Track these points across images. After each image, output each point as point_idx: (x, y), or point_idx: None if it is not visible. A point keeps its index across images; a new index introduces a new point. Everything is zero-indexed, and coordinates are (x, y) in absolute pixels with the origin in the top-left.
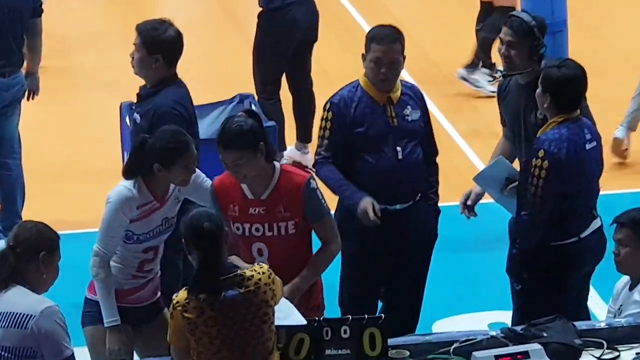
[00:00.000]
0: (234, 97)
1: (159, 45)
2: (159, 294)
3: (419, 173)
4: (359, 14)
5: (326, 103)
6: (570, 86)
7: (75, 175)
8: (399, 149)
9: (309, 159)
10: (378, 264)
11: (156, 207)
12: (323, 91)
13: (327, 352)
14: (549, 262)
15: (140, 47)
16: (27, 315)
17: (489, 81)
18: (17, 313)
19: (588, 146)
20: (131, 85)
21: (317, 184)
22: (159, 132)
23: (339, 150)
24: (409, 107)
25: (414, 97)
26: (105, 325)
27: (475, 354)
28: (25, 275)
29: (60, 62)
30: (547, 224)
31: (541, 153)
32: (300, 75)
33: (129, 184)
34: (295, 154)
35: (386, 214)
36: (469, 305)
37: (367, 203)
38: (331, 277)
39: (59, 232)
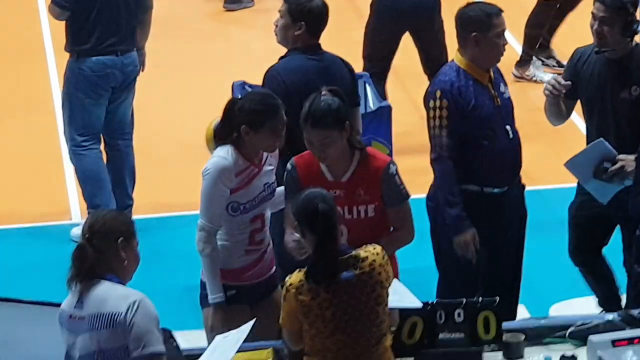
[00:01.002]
0: None
1: (302, 13)
2: (274, 267)
3: (521, 150)
4: None
5: (432, 92)
6: None
7: (187, 157)
8: (508, 127)
9: None
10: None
11: (255, 173)
12: None
13: (441, 335)
14: None
15: (284, 13)
16: (115, 313)
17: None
18: (105, 313)
19: None
20: (242, 66)
21: (396, 169)
22: (249, 93)
23: (456, 140)
24: (501, 84)
25: (499, 73)
26: (210, 301)
27: (592, 337)
28: (109, 265)
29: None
30: None
31: None
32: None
33: (223, 152)
34: None
35: (491, 197)
36: (586, 288)
37: (471, 237)
38: None
39: (170, 215)
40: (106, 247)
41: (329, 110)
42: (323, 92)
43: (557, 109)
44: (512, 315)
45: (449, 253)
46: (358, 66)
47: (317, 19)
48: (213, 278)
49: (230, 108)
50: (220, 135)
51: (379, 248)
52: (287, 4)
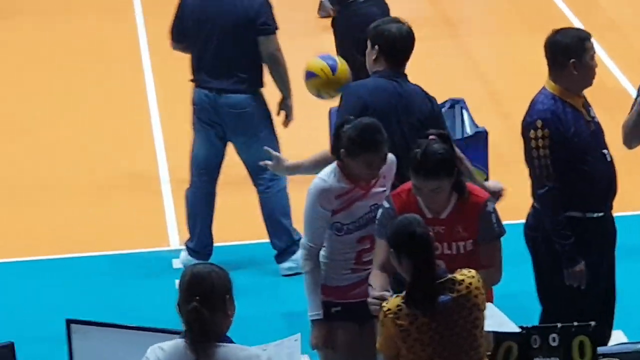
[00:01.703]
0: (445, 102)
1: (377, 37)
2: None
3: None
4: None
5: (532, 122)
6: None
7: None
8: (605, 151)
9: None
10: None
11: (359, 195)
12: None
13: None
14: None
15: (368, 40)
16: None
17: None
18: None
19: None
20: None
21: (494, 207)
22: (358, 121)
23: (560, 168)
24: (590, 108)
25: (585, 99)
26: (310, 318)
27: None
28: (219, 322)
29: None
30: None
31: None
32: None
33: (325, 174)
34: None
35: (592, 222)
36: None
37: (583, 266)
38: None
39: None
40: (219, 306)
41: (442, 161)
42: (432, 137)
43: None
44: (607, 340)
45: (555, 283)
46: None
47: (391, 43)
48: (313, 295)
49: (340, 127)
50: (332, 149)
51: (474, 271)
52: (368, 30)
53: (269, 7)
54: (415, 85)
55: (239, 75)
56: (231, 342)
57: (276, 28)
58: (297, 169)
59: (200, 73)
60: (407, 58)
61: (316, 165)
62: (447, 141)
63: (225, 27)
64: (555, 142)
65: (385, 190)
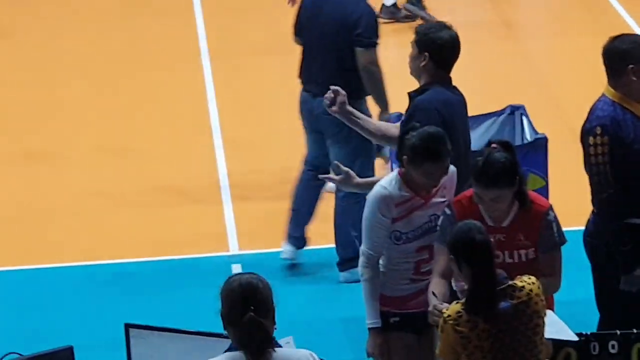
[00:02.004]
0: (505, 109)
1: (427, 44)
2: None
3: None
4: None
5: (591, 129)
6: None
7: None
8: None
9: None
10: None
11: (419, 204)
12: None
13: None
14: None
15: (413, 44)
16: None
17: None
18: None
19: None
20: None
21: (555, 215)
22: (424, 128)
23: (620, 175)
24: None
25: None
26: (368, 326)
27: None
28: (271, 332)
29: None
30: None
31: None
32: None
33: (386, 182)
34: None
35: None
36: None
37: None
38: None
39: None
40: (270, 314)
41: (503, 170)
42: (494, 146)
43: None
44: None
45: (614, 290)
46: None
47: (442, 50)
48: (371, 303)
49: (405, 134)
50: (398, 154)
51: (533, 278)
52: (415, 35)
53: (371, 19)
54: (459, 90)
55: (333, 81)
56: (279, 345)
57: (375, 42)
58: (366, 186)
59: (303, 74)
60: (453, 65)
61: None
62: (509, 150)
63: (327, 30)
64: (614, 148)
65: (445, 201)
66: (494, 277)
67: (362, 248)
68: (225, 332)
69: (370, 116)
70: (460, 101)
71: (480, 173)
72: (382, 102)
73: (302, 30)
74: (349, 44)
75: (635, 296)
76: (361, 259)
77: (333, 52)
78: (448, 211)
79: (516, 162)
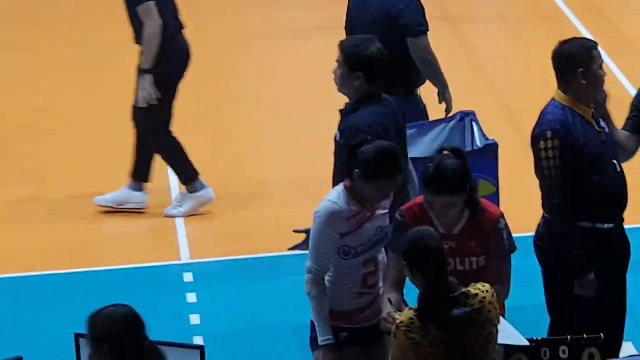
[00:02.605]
0: (455, 115)
1: (359, 62)
2: None
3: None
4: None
5: (542, 133)
6: None
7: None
8: (614, 161)
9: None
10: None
11: (367, 217)
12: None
13: None
14: None
15: (342, 63)
16: None
17: None
18: None
19: None
20: None
21: (505, 223)
22: (379, 143)
23: (571, 178)
24: (599, 119)
25: (595, 108)
26: (320, 343)
27: None
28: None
29: None
30: None
31: None
32: None
33: (334, 196)
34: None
35: (602, 232)
36: None
37: (594, 276)
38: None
39: (279, 254)
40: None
41: (454, 177)
42: (445, 153)
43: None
44: (618, 351)
45: (565, 294)
46: None
47: (374, 67)
48: (321, 320)
49: (358, 146)
50: (343, 171)
51: (487, 285)
52: (343, 53)
53: (416, 7)
54: (390, 98)
55: (396, 75)
56: None
57: (423, 29)
58: None
59: None
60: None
61: None
62: (460, 157)
63: (372, 23)
64: (565, 152)
65: (387, 212)
66: (447, 284)
67: (308, 265)
68: (174, 341)
69: (425, 107)
70: (392, 112)
71: (431, 180)
72: (442, 85)
73: (354, 29)
74: (398, 36)
75: (585, 300)
76: (307, 276)
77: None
78: (399, 218)
79: (467, 169)
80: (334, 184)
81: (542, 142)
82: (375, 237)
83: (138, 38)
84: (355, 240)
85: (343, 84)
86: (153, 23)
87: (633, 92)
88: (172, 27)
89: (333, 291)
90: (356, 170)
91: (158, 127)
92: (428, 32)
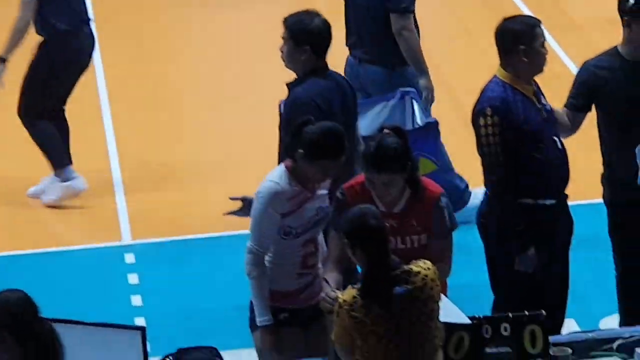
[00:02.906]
0: (395, 93)
1: (305, 37)
2: None
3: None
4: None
5: (481, 110)
6: None
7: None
8: (555, 138)
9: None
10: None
11: (308, 197)
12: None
13: (487, 350)
14: None
15: (287, 39)
16: None
17: None
18: None
19: None
20: None
21: (447, 202)
22: (324, 124)
23: (509, 155)
24: (541, 96)
25: (537, 86)
26: (258, 324)
27: (639, 350)
28: None
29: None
30: None
31: None
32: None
33: (276, 177)
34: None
35: (545, 209)
36: None
37: (534, 252)
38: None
39: (220, 234)
40: None
41: (395, 155)
42: (386, 132)
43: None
44: (560, 328)
45: (507, 270)
46: None
47: (320, 40)
48: (261, 301)
49: (301, 126)
50: (287, 148)
51: (429, 263)
52: (288, 29)
53: None
54: (338, 73)
55: (369, 47)
56: None
57: (408, 8)
58: None
59: (348, 37)
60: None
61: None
62: (401, 135)
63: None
64: (505, 129)
65: (327, 193)
66: (389, 262)
67: (249, 245)
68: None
69: (417, 83)
70: (337, 85)
71: (373, 158)
72: (419, 68)
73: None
74: (383, 11)
75: (527, 276)
76: (248, 257)
77: (370, 19)
78: (340, 197)
79: (408, 147)
80: (279, 157)
81: (482, 119)
82: (315, 217)
83: (37, 29)
84: (296, 220)
85: (290, 59)
86: (22, 18)
87: (575, 70)
88: (66, 23)
89: (274, 272)
90: (300, 150)
91: (33, 113)
92: (413, 13)
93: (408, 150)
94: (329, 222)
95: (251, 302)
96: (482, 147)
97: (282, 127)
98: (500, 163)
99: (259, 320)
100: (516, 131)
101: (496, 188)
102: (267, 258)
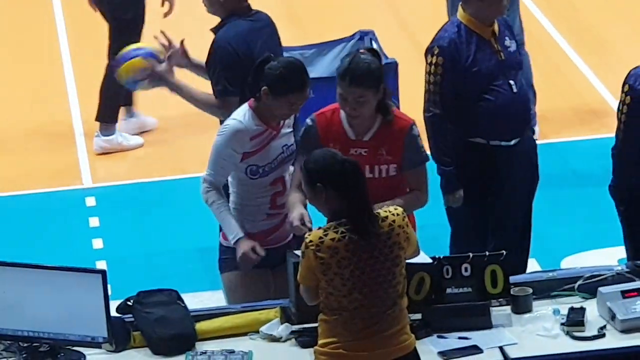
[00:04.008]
0: (354, 34)
1: None
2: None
3: (529, 104)
4: None
5: (430, 48)
6: None
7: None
8: (512, 82)
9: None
10: (486, 201)
11: (273, 136)
12: None
13: (448, 290)
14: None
15: None
16: None
17: None
18: None
19: None
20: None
21: (419, 131)
22: (286, 59)
23: (452, 97)
24: (506, 38)
25: (505, 26)
26: (232, 241)
27: (601, 289)
28: None
29: None
30: (632, 162)
31: (626, 87)
32: None
33: (239, 115)
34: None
35: (499, 150)
36: (597, 241)
37: (460, 195)
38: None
39: (182, 177)
40: None
41: (368, 70)
42: (362, 51)
43: None
44: (524, 268)
45: (459, 208)
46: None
47: None
48: (226, 221)
49: (262, 64)
50: (248, 88)
51: (399, 209)
52: None
53: None
54: (263, 13)
55: None
56: None
57: None
58: (178, 89)
59: None
60: None
61: (197, 101)
62: (376, 56)
63: None
64: (447, 70)
65: (292, 130)
66: (368, 200)
67: (205, 175)
68: (78, 267)
69: None
70: (262, 27)
71: (346, 71)
72: None
73: None
74: None
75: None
76: (203, 186)
77: None
78: (310, 123)
79: (381, 68)
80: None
81: (428, 57)
82: (282, 155)
83: None
84: (262, 159)
85: (210, 3)
86: None
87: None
88: None
89: (242, 213)
90: (264, 87)
91: None
92: None
93: (381, 70)
94: (296, 149)
95: (220, 245)
96: (425, 84)
97: (208, 72)
98: (435, 102)
99: (231, 238)
100: (462, 73)
101: (428, 126)
102: (235, 200)
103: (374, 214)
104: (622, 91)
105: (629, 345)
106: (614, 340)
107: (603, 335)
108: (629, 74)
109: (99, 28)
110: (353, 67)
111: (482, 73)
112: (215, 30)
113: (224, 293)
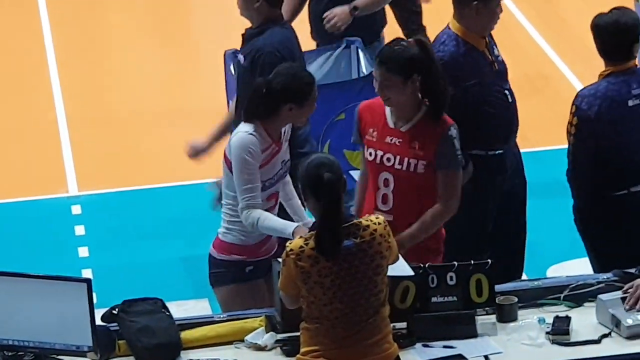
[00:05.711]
0: (341, 42)
1: None
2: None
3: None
4: None
5: None
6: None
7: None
8: (506, 91)
9: None
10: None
11: (276, 151)
12: None
13: (433, 299)
14: (605, 213)
15: None
16: None
17: None
18: None
19: (631, 103)
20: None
21: (457, 134)
22: (285, 72)
23: (452, 111)
24: (494, 47)
25: (490, 36)
26: (291, 230)
27: (601, 296)
28: None
29: None
30: (587, 179)
31: (573, 108)
32: None
33: (248, 128)
34: None
35: (494, 157)
36: (583, 249)
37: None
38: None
39: (166, 185)
40: None
41: (397, 56)
42: (410, 40)
43: None
44: (519, 275)
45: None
46: None
47: None
48: (279, 225)
49: (269, 88)
50: (251, 114)
51: (381, 218)
52: None
53: None
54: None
55: None
56: None
57: None
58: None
59: None
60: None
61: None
62: (423, 49)
63: None
64: (452, 84)
65: (287, 145)
66: (340, 216)
67: (239, 206)
68: (64, 275)
69: None
70: (295, 36)
71: (379, 52)
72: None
73: None
74: None
75: (479, 227)
76: (244, 214)
77: None
78: (356, 109)
79: (421, 61)
80: (237, 108)
81: None
82: (280, 171)
83: None
84: (265, 174)
85: (245, 7)
86: None
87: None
88: None
89: (238, 225)
90: (288, 104)
91: None
92: None
93: (419, 61)
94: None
95: (210, 256)
96: None
97: (241, 78)
98: None
99: (288, 233)
100: (465, 87)
101: None
102: (232, 213)
103: (341, 234)
104: (570, 112)
105: (630, 352)
106: (616, 346)
107: (598, 342)
108: (577, 94)
109: (86, 35)
110: (385, 49)
111: (481, 84)
112: (249, 35)
113: (220, 306)
